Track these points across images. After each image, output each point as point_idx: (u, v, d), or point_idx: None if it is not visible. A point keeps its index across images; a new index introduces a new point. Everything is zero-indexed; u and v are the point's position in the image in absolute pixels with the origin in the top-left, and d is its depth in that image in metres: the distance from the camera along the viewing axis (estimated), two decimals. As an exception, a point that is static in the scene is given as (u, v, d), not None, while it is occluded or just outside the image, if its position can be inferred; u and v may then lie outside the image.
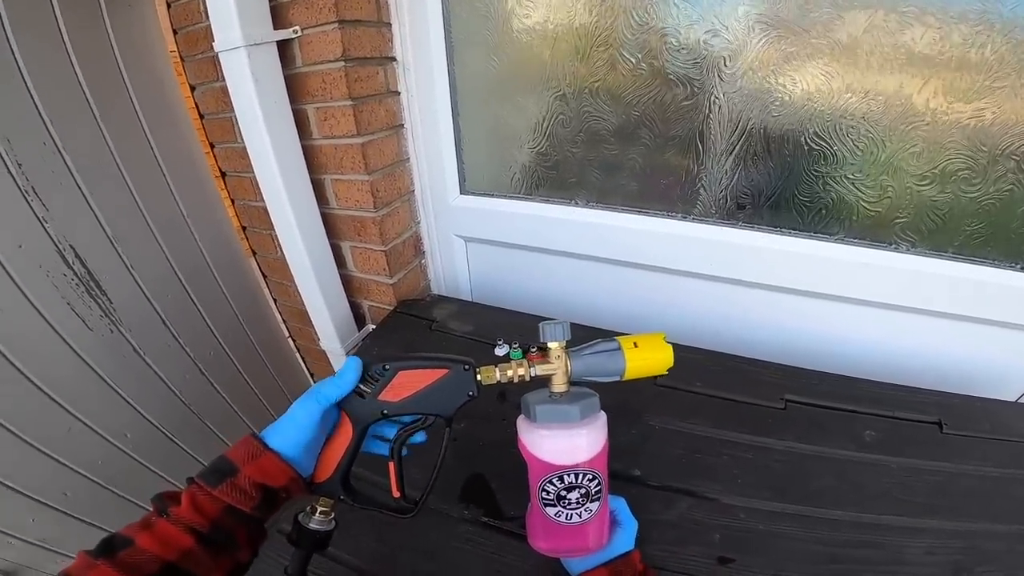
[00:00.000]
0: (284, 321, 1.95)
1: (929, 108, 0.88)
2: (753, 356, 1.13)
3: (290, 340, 2.03)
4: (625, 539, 0.70)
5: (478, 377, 0.63)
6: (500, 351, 0.66)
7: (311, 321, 1.42)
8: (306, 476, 0.61)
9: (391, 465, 0.66)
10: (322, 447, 0.63)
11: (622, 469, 0.90)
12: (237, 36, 0.95)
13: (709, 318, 1.27)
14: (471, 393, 0.63)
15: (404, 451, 0.67)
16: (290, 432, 0.59)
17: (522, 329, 1.24)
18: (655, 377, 0.64)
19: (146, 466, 1.50)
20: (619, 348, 0.63)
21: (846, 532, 0.79)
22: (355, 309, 1.48)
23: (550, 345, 0.62)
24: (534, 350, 0.65)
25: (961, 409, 0.98)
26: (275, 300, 1.87)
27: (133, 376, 1.42)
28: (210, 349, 1.68)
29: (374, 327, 1.45)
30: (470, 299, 1.57)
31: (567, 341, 0.63)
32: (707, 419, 0.99)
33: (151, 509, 0.53)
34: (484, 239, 1.42)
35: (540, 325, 0.63)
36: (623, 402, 1.01)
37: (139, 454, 1.47)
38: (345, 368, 0.62)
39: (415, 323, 1.34)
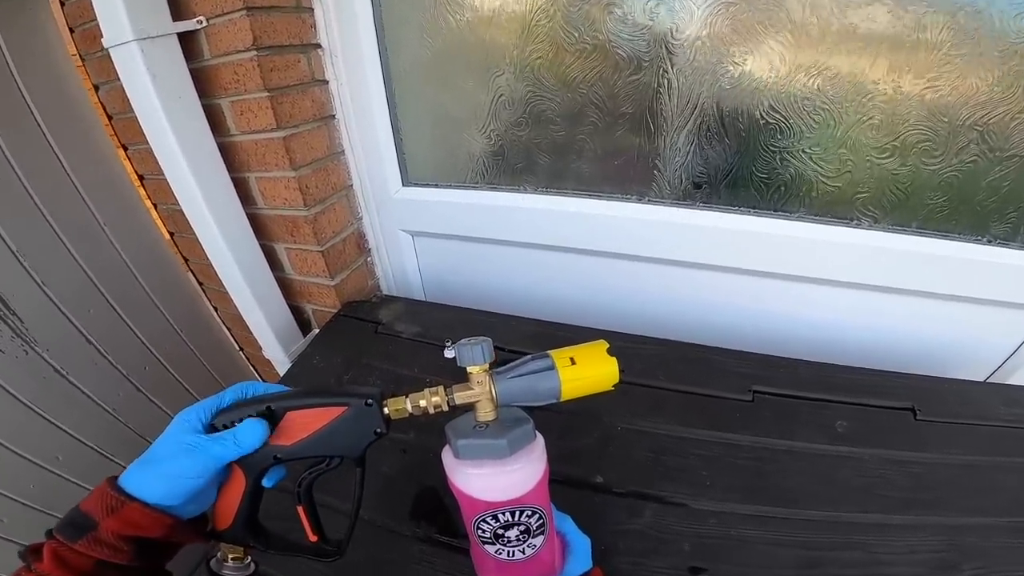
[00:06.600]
0: (228, 329, 1.83)
1: (885, 78, 0.83)
2: (718, 344, 1.07)
3: (239, 349, 1.92)
4: (579, 563, 0.63)
5: (385, 411, 0.54)
6: (449, 353, 0.59)
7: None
8: (190, 517, 0.53)
9: (300, 510, 0.57)
10: (217, 494, 0.55)
11: (583, 476, 0.85)
12: (126, 31, 0.86)
13: (671, 305, 1.21)
14: (379, 431, 0.54)
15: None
16: (163, 484, 0.49)
17: (475, 327, 1.17)
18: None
19: (85, 487, 1.41)
20: (553, 367, 0.53)
21: (823, 533, 0.74)
22: (298, 314, 1.38)
23: (469, 370, 0.53)
24: None
25: (933, 393, 0.94)
26: (216, 308, 1.76)
27: (57, 397, 1.34)
28: (144, 363, 1.58)
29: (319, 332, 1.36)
30: (422, 297, 1.49)
31: (490, 363, 0.54)
32: (672, 416, 0.93)
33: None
34: (432, 232, 1.34)
35: (456, 346, 0.54)
36: (582, 402, 0.94)
37: (76, 476, 1.40)
38: (244, 431, 0.52)
39: (360, 326, 1.25)
